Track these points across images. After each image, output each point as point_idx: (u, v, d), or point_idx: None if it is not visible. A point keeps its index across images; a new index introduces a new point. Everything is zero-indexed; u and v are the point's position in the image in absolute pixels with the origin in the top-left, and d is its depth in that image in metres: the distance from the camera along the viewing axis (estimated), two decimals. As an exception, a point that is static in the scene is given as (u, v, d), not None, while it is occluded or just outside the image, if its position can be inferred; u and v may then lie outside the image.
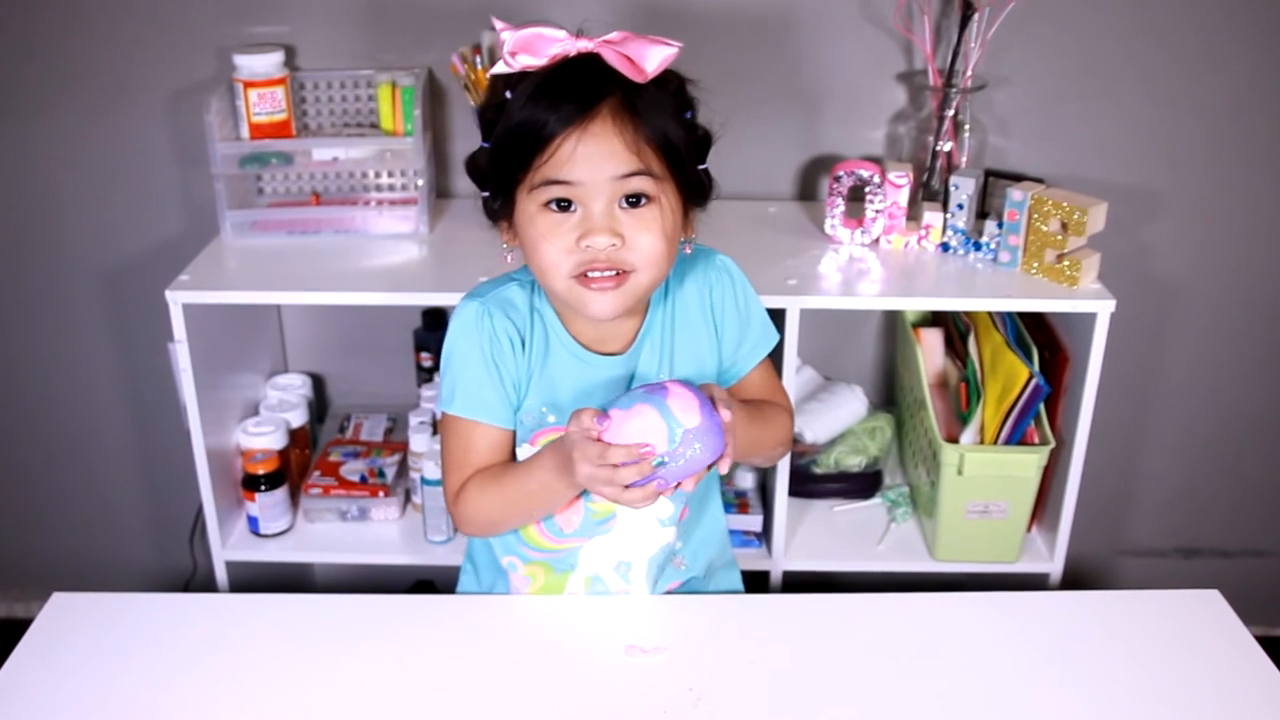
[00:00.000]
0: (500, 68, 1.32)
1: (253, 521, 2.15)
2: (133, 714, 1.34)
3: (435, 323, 2.35)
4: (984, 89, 2.14)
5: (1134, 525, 2.65)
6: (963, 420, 2.03)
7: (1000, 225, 2.00)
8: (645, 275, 1.34)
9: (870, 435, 2.27)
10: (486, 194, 1.41)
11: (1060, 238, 1.93)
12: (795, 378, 2.11)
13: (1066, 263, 1.93)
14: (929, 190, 2.17)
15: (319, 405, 2.47)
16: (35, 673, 1.39)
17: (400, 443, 2.30)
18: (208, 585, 2.24)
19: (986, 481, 2.00)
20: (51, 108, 2.26)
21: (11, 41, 2.22)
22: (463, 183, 2.29)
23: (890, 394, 2.46)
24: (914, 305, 2.10)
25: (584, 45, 1.30)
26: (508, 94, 1.32)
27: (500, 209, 1.39)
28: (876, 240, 2.10)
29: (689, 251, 1.44)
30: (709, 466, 1.28)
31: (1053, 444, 1.99)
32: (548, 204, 1.32)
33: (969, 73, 2.10)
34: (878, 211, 2.08)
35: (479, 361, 1.41)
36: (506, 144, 1.32)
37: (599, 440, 1.26)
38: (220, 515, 2.09)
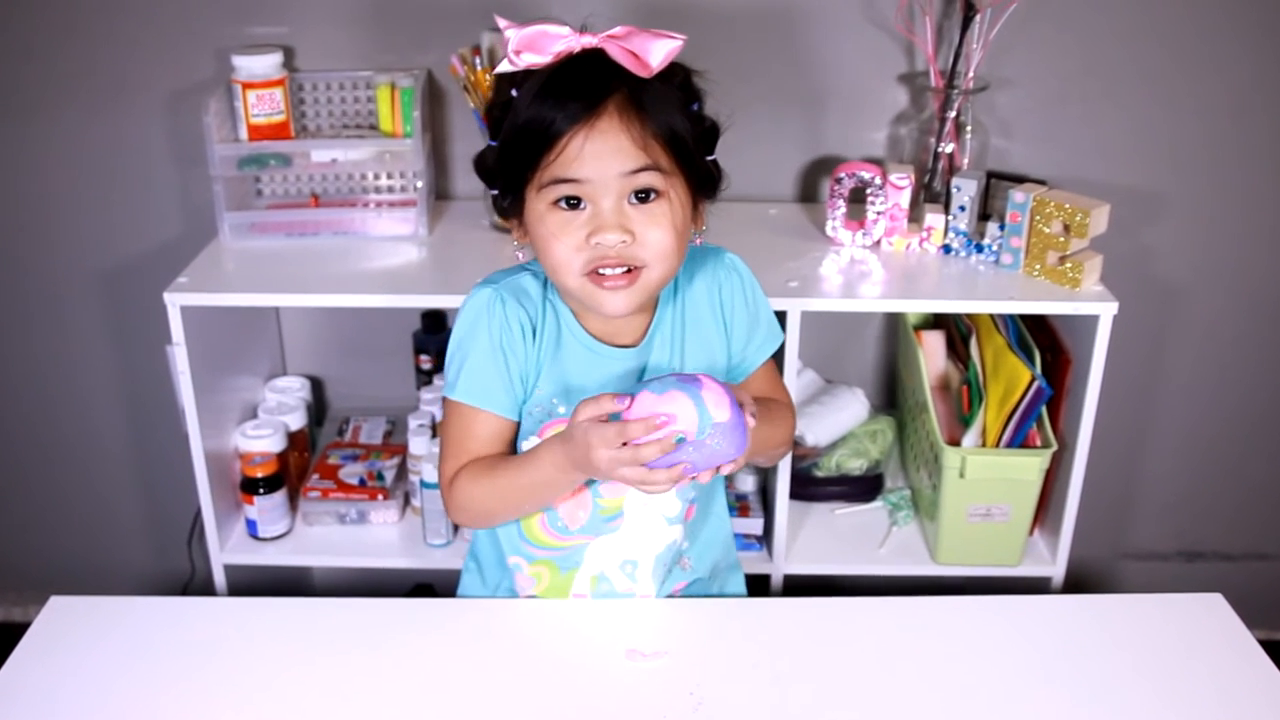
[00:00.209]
0: (505, 66, 1.32)
1: (251, 525, 2.14)
2: (131, 718, 1.34)
3: (434, 325, 2.35)
4: (986, 90, 2.13)
5: (1137, 528, 2.64)
6: (964, 423, 2.02)
7: (1002, 227, 2.00)
8: (656, 270, 1.34)
9: (872, 438, 2.26)
10: (496, 192, 1.41)
11: (1062, 240, 1.93)
12: (796, 380, 2.11)
13: (1069, 265, 1.93)
14: (931, 192, 2.16)
15: (318, 408, 2.46)
16: (33, 676, 1.39)
17: (399, 445, 2.29)
18: (206, 589, 2.23)
19: (988, 484, 1.99)
20: (49, 108, 2.25)
21: (9, 42, 2.21)
22: (462, 184, 2.31)
23: (892, 397, 2.46)
24: (915, 307, 2.10)
25: (588, 41, 1.30)
26: (513, 92, 1.32)
27: (510, 207, 1.39)
28: (878, 242, 2.10)
29: (699, 244, 1.44)
30: (717, 468, 1.28)
31: (1055, 447, 1.99)
32: (557, 202, 1.32)
33: (971, 74, 2.10)
34: (879, 213, 2.07)
35: (487, 348, 1.41)
36: (514, 143, 1.32)
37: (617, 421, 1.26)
38: (218, 518, 2.08)
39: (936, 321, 2.24)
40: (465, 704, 1.35)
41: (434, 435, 2.17)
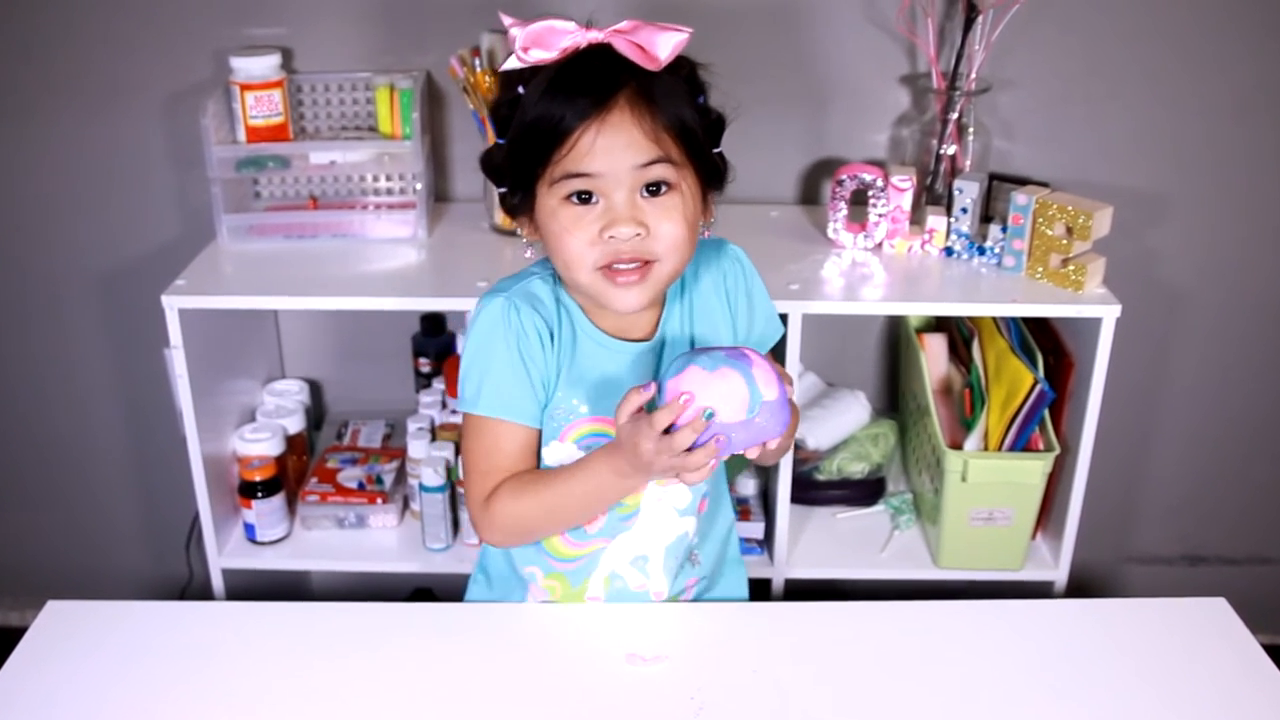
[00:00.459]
0: (512, 63, 1.31)
1: (249, 529, 2.13)
2: (127, 724, 1.33)
3: (434, 328, 2.34)
4: (988, 92, 2.13)
5: (1140, 532, 2.63)
6: (967, 426, 2.02)
7: (1004, 229, 1.99)
8: (669, 263, 1.34)
9: (873, 442, 2.25)
10: (504, 190, 1.40)
11: (1065, 242, 1.92)
12: (798, 383, 2.10)
13: (1071, 267, 1.92)
14: (933, 194, 2.16)
15: (316, 411, 2.46)
16: (30, 681, 1.39)
17: (398, 449, 2.28)
18: (204, 593, 2.22)
19: (991, 488, 1.99)
20: (47, 110, 2.25)
21: (7, 43, 2.21)
22: (462, 186, 2.30)
23: (893, 400, 2.45)
24: (917, 310, 2.10)
25: (595, 36, 1.30)
26: (520, 90, 1.32)
27: (520, 204, 1.38)
28: (879, 245, 2.09)
29: (707, 236, 1.43)
30: (764, 445, 1.27)
31: (1057, 450, 1.98)
32: (568, 197, 1.31)
33: (973, 75, 2.09)
34: (881, 216, 2.06)
35: (506, 359, 1.39)
36: (523, 140, 1.32)
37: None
38: (216, 522, 2.08)
39: (938, 324, 2.23)
40: (464, 709, 1.35)
41: (433, 438, 2.17)
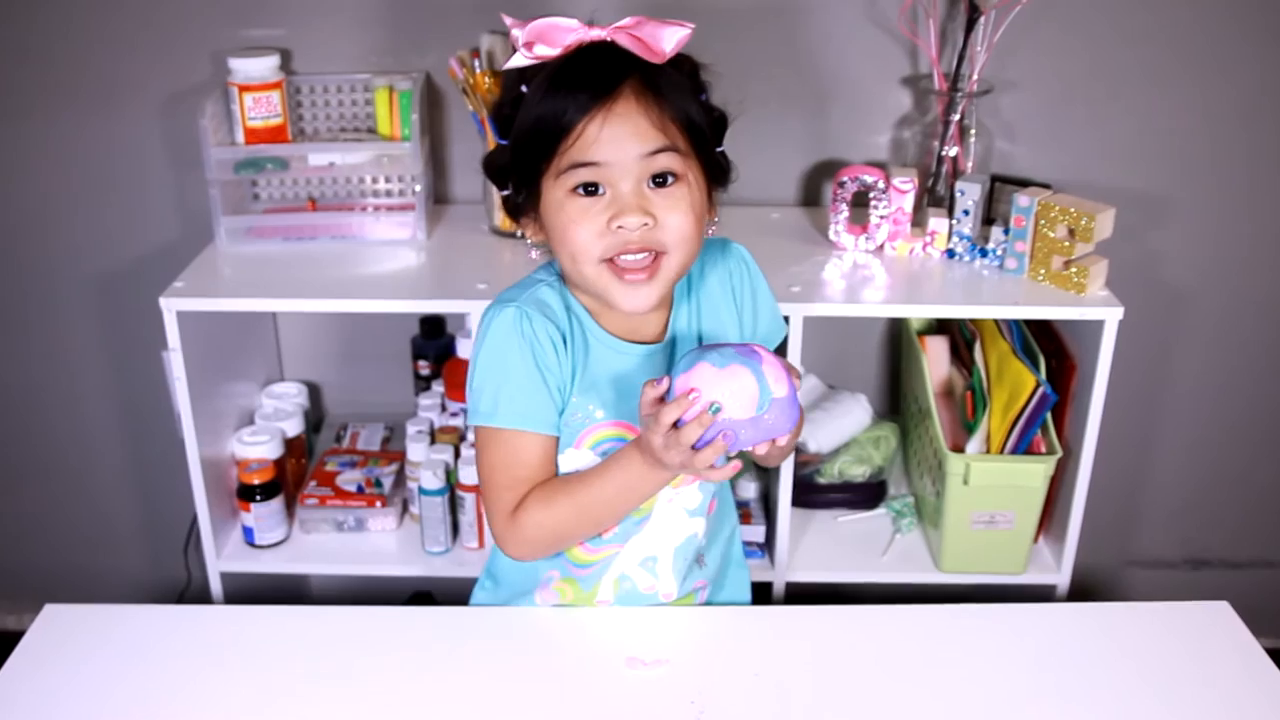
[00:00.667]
0: (516, 60, 1.31)
1: (248, 532, 2.13)
2: (123, 729, 1.33)
3: (433, 330, 2.34)
4: (990, 93, 2.12)
5: (1142, 536, 2.63)
6: (968, 429, 2.01)
7: (1006, 231, 1.99)
8: (677, 256, 1.33)
9: (875, 444, 2.25)
10: (507, 193, 1.40)
11: (1067, 244, 1.91)
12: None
13: (1074, 269, 1.91)
14: (934, 196, 2.15)
15: (315, 414, 2.45)
16: (27, 686, 1.38)
17: (397, 452, 2.27)
18: (202, 597, 2.21)
19: (993, 491, 1.98)
20: (44, 111, 2.24)
21: (4, 43, 2.20)
22: (461, 188, 2.30)
23: (895, 403, 2.45)
24: (919, 313, 2.09)
25: (598, 34, 1.30)
26: (523, 89, 1.32)
27: (524, 203, 1.38)
28: (881, 247, 2.09)
29: (712, 234, 1.43)
30: (773, 441, 1.27)
31: (1060, 453, 1.97)
32: (575, 189, 1.31)
33: (975, 76, 2.09)
34: (882, 218, 2.06)
35: (523, 368, 1.37)
36: (528, 135, 1.31)
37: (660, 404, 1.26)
38: (215, 526, 2.07)
39: (940, 327, 2.23)
40: (464, 712, 1.34)
41: (432, 441, 2.16)
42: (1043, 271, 1.95)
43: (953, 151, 2.13)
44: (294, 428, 2.23)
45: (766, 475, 2.19)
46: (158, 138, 2.25)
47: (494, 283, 1.91)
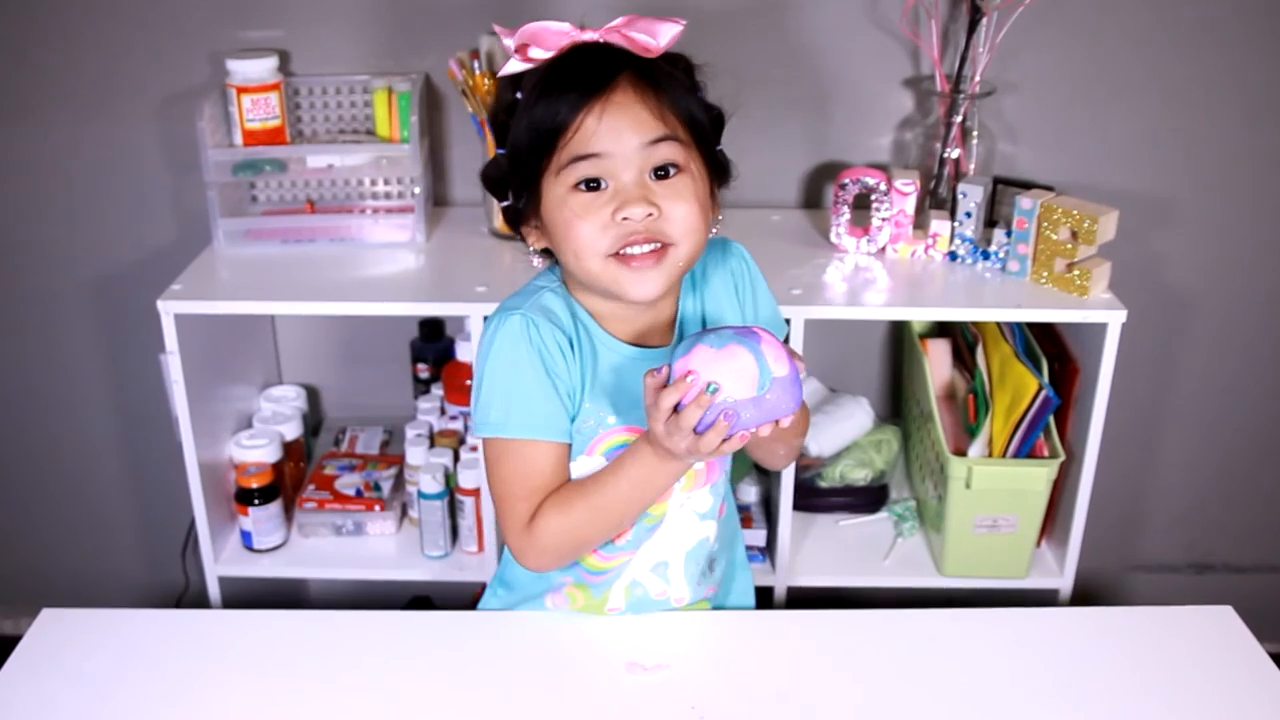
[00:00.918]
0: (512, 65, 1.31)
1: (246, 536, 2.12)
2: (121, 734, 1.33)
3: (432, 333, 2.33)
4: (992, 94, 2.11)
5: (1145, 540, 2.62)
6: (971, 433, 2.00)
7: (1009, 234, 1.98)
8: (684, 247, 1.32)
9: (876, 448, 2.24)
10: (506, 203, 1.39)
11: (1070, 246, 1.90)
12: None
13: (1077, 272, 1.91)
14: (936, 198, 2.14)
15: (313, 417, 2.44)
16: (24, 690, 1.38)
17: (396, 456, 2.27)
18: (200, 601, 2.21)
19: (995, 495, 1.97)
20: (41, 112, 2.24)
21: (1, 45, 2.19)
22: (461, 190, 2.29)
23: (897, 406, 2.44)
24: (921, 315, 2.09)
25: (590, 36, 1.30)
26: (518, 95, 1.32)
27: (525, 208, 1.36)
28: (883, 249, 2.08)
29: (715, 232, 1.41)
30: (776, 422, 1.25)
31: (1062, 457, 1.97)
32: (577, 185, 1.29)
33: (977, 78, 2.08)
34: (884, 220, 2.05)
35: (534, 376, 1.35)
36: (527, 137, 1.31)
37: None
38: (213, 530, 2.07)
39: (942, 330, 2.22)
40: (462, 718, 1.34)
41: (431, 445, 2.16)
42: (1045, 274, 1.95)
43: (955, 153, 2.12)
44: (292, 431, 2.22)
45: (768, 479, 2.19)
46: (155, 140, 2.25)
47: (494, 285, 1.90)
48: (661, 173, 1.30)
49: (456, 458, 2.12)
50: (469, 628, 1.51)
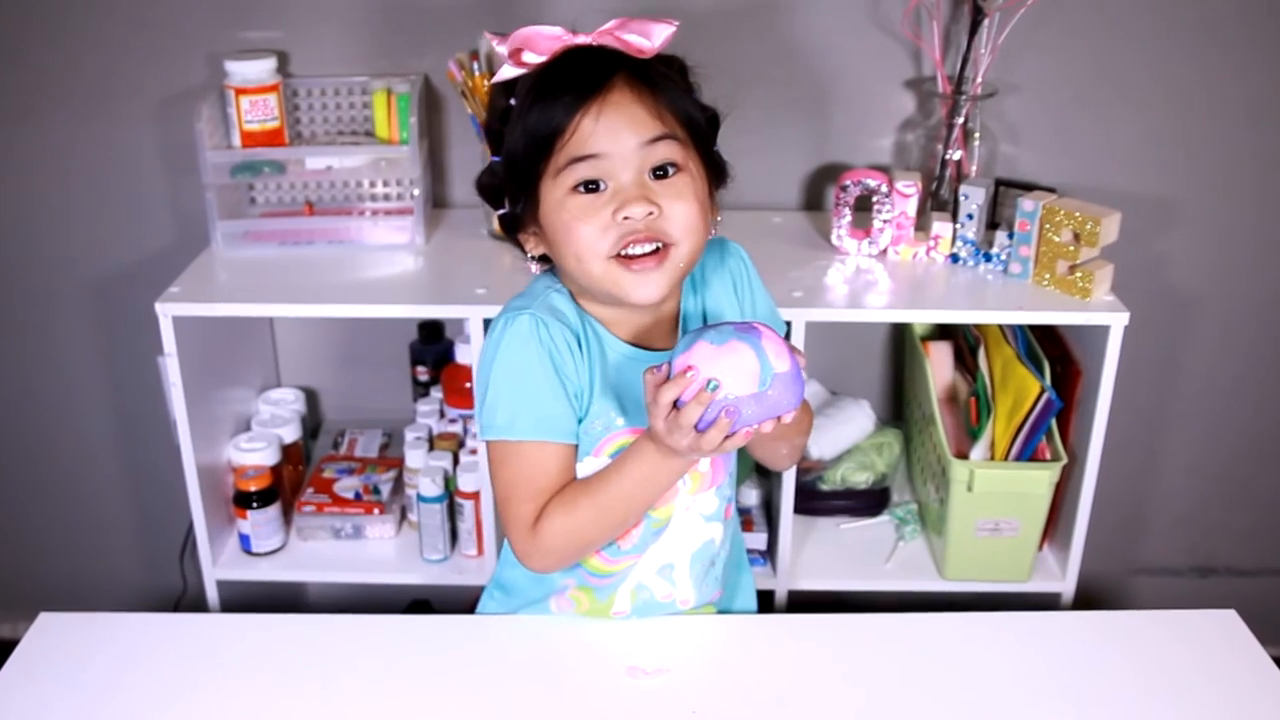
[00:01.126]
0: (506, 71, 1.30)
1: (244, 539, 2.11)
2: (118, 738, 1.33)
3: (431, 336, 2.32)
4: (994, 96, 2.11)
5: (1148, 543, 2.61)
6: (972, 436, 2.00)
7: (1011, 236, 1.97)
8: (685, 246, 1.31)
9: (878, 451, 2.24)
10: (503, 211, 1.38)
11: (1072, 248, 1.90)
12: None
13: (1079, 274, 1.90)
14: (938, 200, 2.14)
15: (312, 420, 2.44)
16: (22, 694, 1.38)
17: (396, 459, 2.26)
18: (198, 605, 2.20)
19: (997, 498, 1.97)
20: (38, 114, 2.23)
21: (-2, 46, 2.19)
22: (460, 192, 2.29)
23: (898, 409, 2.44)
24: (922, 318, 2.09)
25: (583, 39, 1.30)
26: (511, 101, 1.31)
27: (522, 214, 1.36)
28: (884, 251, 2.07)
29: (714, 233, 1.40)
30: (779, 419, 1.24)
31: (1065, 460, 1.96)
32: (575, 188, 1.29)
33: (979, 79, 2.08)
34: (885, 222, 2.05)
35: (542, 376, 1.34)
36: (523, 141, 1.30)
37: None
38: (211, 533, 2.06)
39: (944, 332, 2.22)
40: (460, 724, 1.34)
41: (431, 447, 2.16)
42: (1047, 276, 1.94)
43: (956, 155, 2.12)
44: (291, 434, 2.22)
45: (768, 482, 2.18)
46: (153, 141, 2.24)
47: (493, 288, 1.90)
48: (660, 172, 1.29)
49: (456, 461, 2.12)
50: (468, 631, 1.50)
